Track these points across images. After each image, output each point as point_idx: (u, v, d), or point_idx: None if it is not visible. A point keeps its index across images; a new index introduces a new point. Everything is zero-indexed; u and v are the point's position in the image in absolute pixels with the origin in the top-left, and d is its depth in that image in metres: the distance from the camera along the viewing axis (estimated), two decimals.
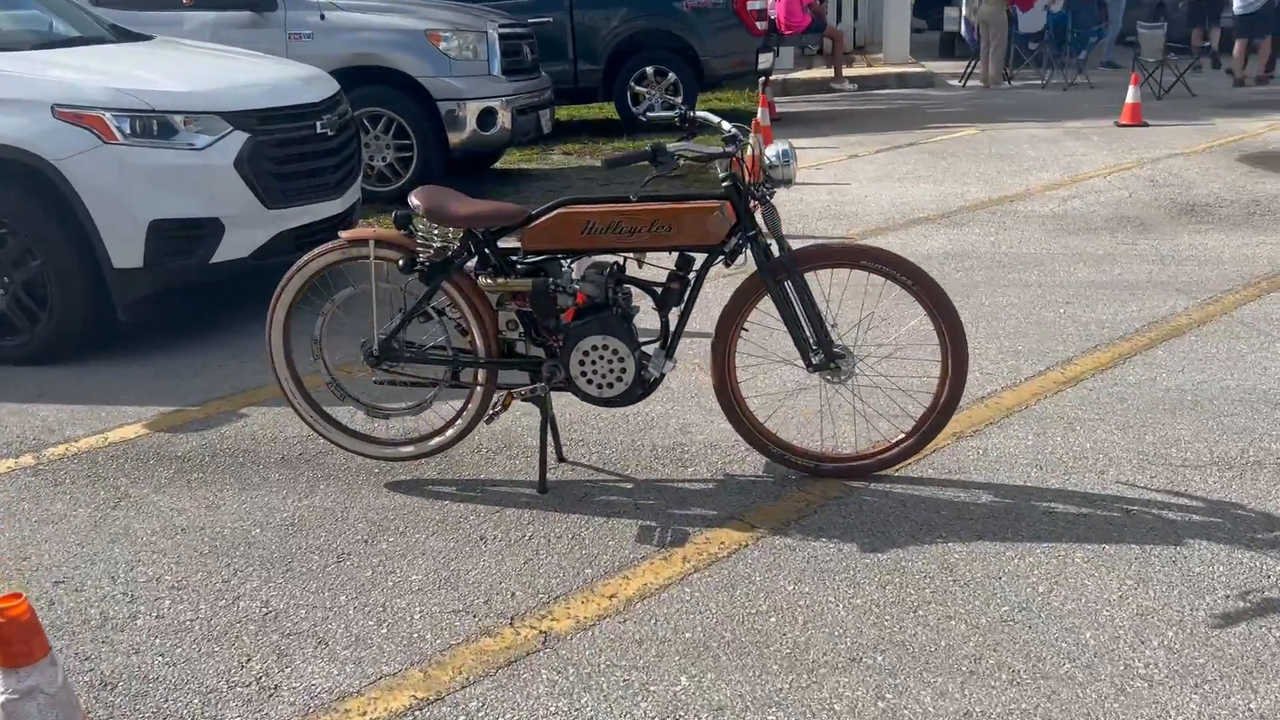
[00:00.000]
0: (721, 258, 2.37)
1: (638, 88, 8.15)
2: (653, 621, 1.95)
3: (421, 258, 2.40)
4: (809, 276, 2.40)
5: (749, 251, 2.36)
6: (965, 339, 2.41)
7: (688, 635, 1.90)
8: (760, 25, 8.19)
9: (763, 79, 8.20)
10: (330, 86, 4.05)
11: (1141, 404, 2.99)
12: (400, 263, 2.42)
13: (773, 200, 2.35)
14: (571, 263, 2.44)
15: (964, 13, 11.33)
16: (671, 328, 2.47)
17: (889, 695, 1.70)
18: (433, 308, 2.50)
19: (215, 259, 3.43)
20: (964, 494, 2.45)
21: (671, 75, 8.19)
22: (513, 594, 2.06)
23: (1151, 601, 1.93)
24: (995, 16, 10.19)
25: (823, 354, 2.41)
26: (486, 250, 2.41)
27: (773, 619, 1.94)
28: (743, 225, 2.31)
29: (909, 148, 7.75)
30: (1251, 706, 1.62)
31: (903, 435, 2.52)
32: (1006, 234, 5.20)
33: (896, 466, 2.54)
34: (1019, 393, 3.09)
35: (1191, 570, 2.04)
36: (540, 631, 1.92)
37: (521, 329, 2.46)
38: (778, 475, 2.58)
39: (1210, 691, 1.66)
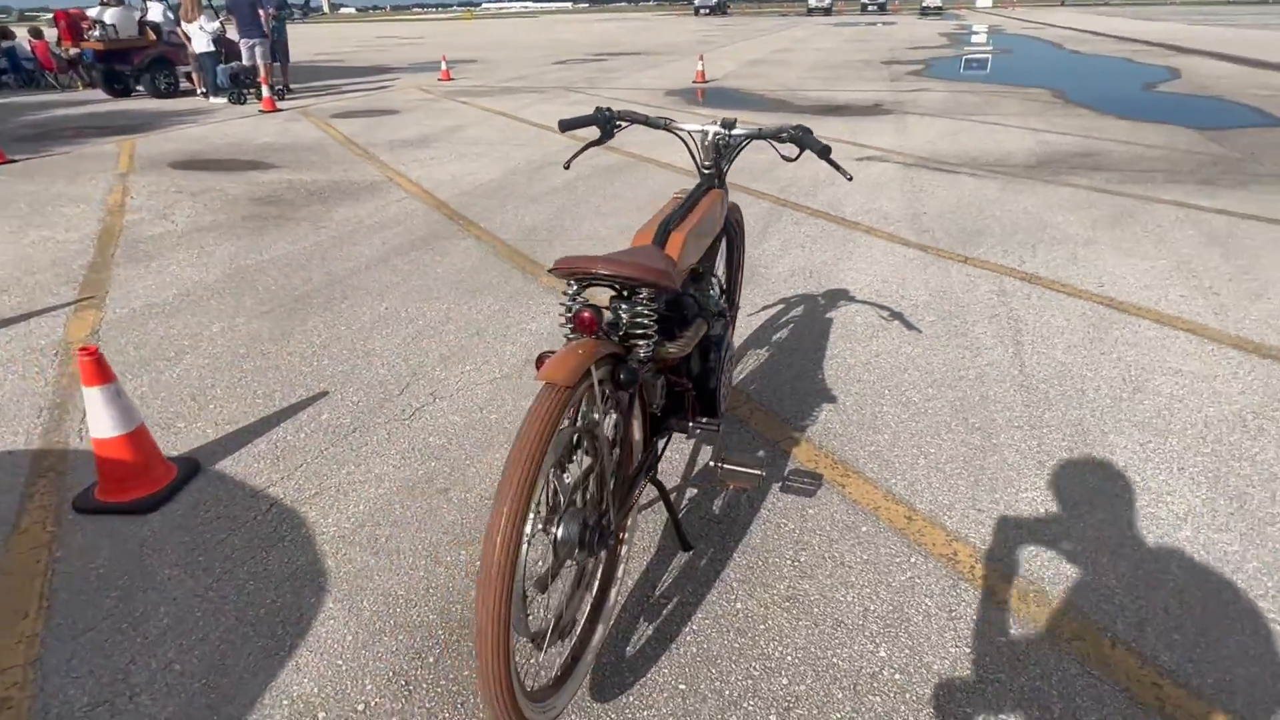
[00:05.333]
0: None
1: None
2: (1025, 601, 2.00)
3: (642, 354, 1.72)
4: None
5: None
6: None
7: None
8: None
9: None
10: None
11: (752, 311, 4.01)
12: (621, 376, 1.62)
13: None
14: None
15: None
16: None
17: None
18: (580, 425, 1.60)
19: None
20: (840, 395, 2.99)
21: None
22: (922, 676, 1.80)
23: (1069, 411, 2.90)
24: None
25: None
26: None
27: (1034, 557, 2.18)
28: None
29: None
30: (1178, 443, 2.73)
31: None
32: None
33: None
34: None
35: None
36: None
37: (667, 390, 2.03)
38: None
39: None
